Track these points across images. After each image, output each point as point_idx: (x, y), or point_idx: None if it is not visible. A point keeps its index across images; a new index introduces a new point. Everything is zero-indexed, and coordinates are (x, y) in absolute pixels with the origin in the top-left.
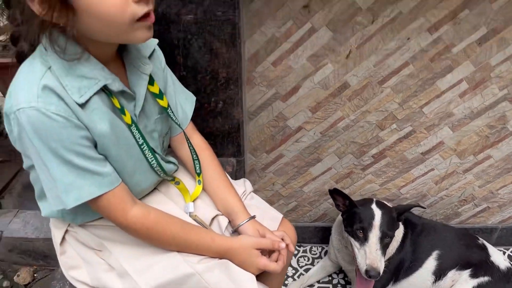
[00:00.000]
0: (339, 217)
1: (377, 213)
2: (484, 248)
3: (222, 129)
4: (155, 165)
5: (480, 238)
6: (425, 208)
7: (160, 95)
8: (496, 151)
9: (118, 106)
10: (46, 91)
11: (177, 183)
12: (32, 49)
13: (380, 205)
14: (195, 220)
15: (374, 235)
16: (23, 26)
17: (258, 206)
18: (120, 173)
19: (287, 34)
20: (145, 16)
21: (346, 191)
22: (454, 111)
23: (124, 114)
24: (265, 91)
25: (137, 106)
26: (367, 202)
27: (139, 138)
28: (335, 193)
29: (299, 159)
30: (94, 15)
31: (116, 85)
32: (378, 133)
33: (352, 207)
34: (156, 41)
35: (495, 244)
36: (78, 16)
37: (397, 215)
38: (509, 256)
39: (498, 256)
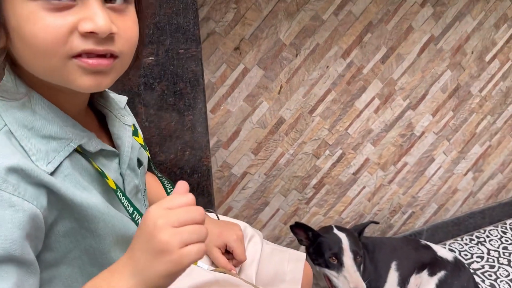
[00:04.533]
0: None
1: (342, 236)
2: (429, 247)
3: (191, 180)
4: None
5: (421, 240)
6: (378, 223)
7: (145, 147)
8: (410, 157)
9: (99, 169)
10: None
11: None
12: None
13: (340, 228)
14: (222, 272)
15: (348, 257)
16: None
17: (276, 248)
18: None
19: (222, 78)
20: (87, 55)
21: None
22: (372, 127)
23: (107, 179)
24: None
25: (122, 162)
26: (327, 229)
27: (128, 206)
28: (296, 228)
29: (248, 207)
30: (25, 39)
31: (93, 144)
32: (315, 162)
33: (316, 238)
34: (126, 98)
35: None
36: (11, 38)
37: (358, 234)
38: (449, 249)
39: (442, 251)
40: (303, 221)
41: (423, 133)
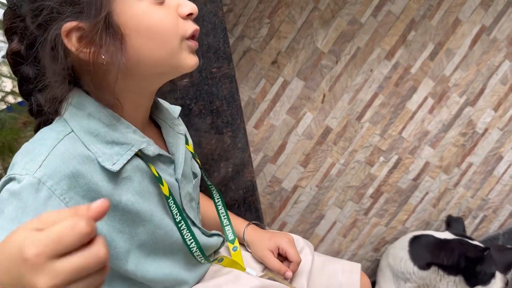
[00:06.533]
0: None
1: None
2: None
3: (237, 196)
4: (194, 249)
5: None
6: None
7: (195, 155)
8: (475, 157)
9: (156, 174)
10: (57, 161)
11: (221, 260)
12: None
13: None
14: (273, 279)
15: None
16: (52, 82)
17: (328, 260)
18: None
19: (262, 94)
20: (192, 37)
21: (355, 243)
22: (428, 128)
23: (162, 185)
24: (254, 157)
25: (177, 168)
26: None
27: (176, 215)
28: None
29: (302, 222)
30: (146, 32)
31: (151, 149)
32: (370, 170)
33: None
34: (179, 108)
35: None
36: (126, 41)
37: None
38: None
39: None
40: (363, 233)
41: (486, 130)
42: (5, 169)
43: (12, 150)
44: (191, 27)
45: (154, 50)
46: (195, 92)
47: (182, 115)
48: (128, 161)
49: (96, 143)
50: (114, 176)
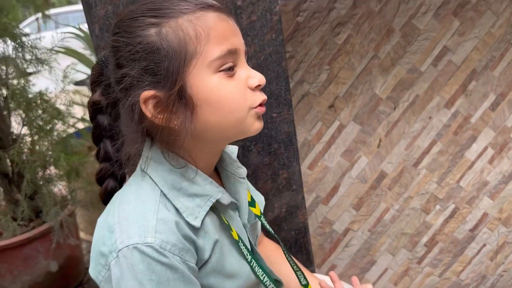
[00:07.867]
0: None
1: None
2: None
3: (289, 237)
4: (268, 283)
5: None
6: None
7: (252, 202)
8: None
9: (226, 222)
10: (164, 225)
11: None
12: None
13: None
14: None
15: None
16: (129, 138)
17: None
18: None
19: (318, 136)
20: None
21: None
22: (488, 179)
23: (231, 230)
24: (306, 198)
25: (243, 214)
26: None
27: (247, 255)
28: None
29: (353, 266)
30: (216, 104)
31: (226, 198)
32: (425, 218)
33: None
34: (236, 147)
35: None
36: (197, 110)
37: None
38: None
39: None
40: (415, 282)
41: None
42: (71, 192)
43: (79, 175)
44: (259, 98)
45: (222, 119)
46: (256, 135)
47: (242, 155)
48: (207, 213)
49: (180, 197)
50: (199, 229)
